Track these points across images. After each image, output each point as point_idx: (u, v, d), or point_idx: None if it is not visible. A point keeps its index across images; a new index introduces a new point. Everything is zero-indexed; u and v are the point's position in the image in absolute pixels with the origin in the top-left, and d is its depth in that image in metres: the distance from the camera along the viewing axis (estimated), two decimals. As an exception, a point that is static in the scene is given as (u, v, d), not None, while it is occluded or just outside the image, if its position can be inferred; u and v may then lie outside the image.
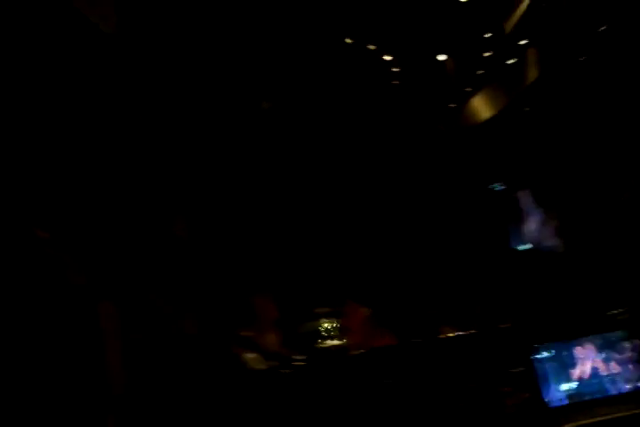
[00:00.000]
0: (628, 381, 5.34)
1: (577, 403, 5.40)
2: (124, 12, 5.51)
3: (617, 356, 5.47)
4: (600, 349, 5.48)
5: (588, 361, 5.49)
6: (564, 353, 5.60)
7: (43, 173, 4.28)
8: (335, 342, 6.11)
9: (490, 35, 9.16)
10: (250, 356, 4.85)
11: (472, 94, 9.70)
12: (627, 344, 5.41)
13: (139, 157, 5.33)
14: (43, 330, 3.69)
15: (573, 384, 5.46)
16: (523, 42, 9.27)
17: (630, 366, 5.36)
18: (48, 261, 3.78)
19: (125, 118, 5.48)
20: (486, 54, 9.41)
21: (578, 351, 5.60)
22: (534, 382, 5.45)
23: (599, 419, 5.18)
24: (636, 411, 5.12)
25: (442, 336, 5.74)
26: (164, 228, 5.20)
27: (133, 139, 5.25)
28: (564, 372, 5.56)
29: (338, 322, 6.31)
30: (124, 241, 4.57)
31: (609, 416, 5.20)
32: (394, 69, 8.86)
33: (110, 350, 3.95)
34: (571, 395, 5.45)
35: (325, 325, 6.25)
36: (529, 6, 8.51)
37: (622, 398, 5.31)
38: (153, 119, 5.91)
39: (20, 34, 4.56)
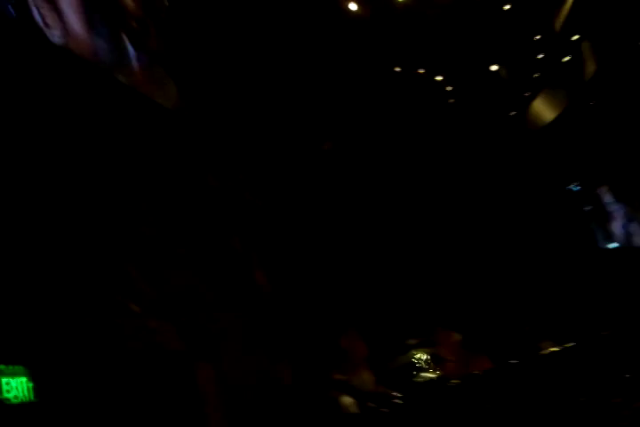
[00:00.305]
0: None
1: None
2: (185, 89, 5.80)
3: None
4: None
5: None
6: (677, 355, 5.18)
7: (127, 246, 4.51)
8: (431, 373, 5.96)
9: (539, 36, 8.96)
10: (346, 399, 4.83)
11: (532, 98, 9.44)
12: None
13: (214, 214, 5.53)
14: (148, 393, 3.85)
15: (692, 387, 5.05)
16: (575, 37, 8.99)
17: None
18: (146, 333, 3.98)
19: (197, 179, 5.71)
20: (539, 56, 9.19)
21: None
22: (648, 388, 5.11)
23: None
24: None
25: (543, 352, 5.50)
26: (245, 279, 5.33)
27: (207, 203, 5.45)
28: (680, 375, 5.15)
29: (431, 352, 6.17)
30: (211, 302, 4.73)
31: None
32: (448, 88, 8.80)
33: (210, 408, 4.07)
34: (691, 399, 5.03)
35: (418, 356, 6.11)
36: (575, 0, 8.30)
37: None
38: (224, 175, 6.13)
39: (89, 115, 4.87)
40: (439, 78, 8.65)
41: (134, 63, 5.49)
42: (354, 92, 7.98)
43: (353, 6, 7.87)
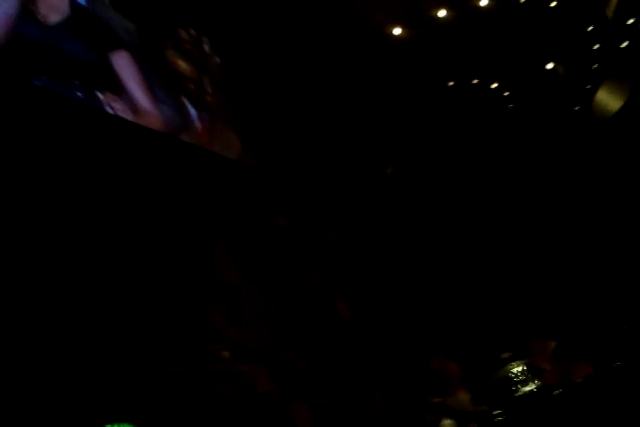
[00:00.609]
0: None
1: None
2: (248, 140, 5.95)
3: None
4: None
5: None
6: None
7: (209, 293, 4.61)
8: (530, 386, 5.63)
9: (592, 27, 8.57)
10: (446, 422, 4.65)
11: (594, 90, 8.97)
12: None
13: (288, 253, 5.56)
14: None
15: None
16: (630, 21, 8.54)
17: None
18: (238, 377, 4.02)
19: (266, 221, 5.79)
20: (595, 47, 8.77)
21: None
22: None
23: None
24: None
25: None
26: (327, 312, 5.30)
27: (279, 243, 5.49)
28: None
29: (527, 363, 5.83)
30: (297, 340, 4.73)
31: None
32: (505, 94, 8.52)
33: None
34: None
35: (514, 369, 5.79)
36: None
37: None
38: (291, 214, 6.17)
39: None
40: (495, 86, 8.41)
41: (197, 123, 5.69)
42: (410, 113, 7.89)
43: (397, 31, 7.84)
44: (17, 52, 4.37)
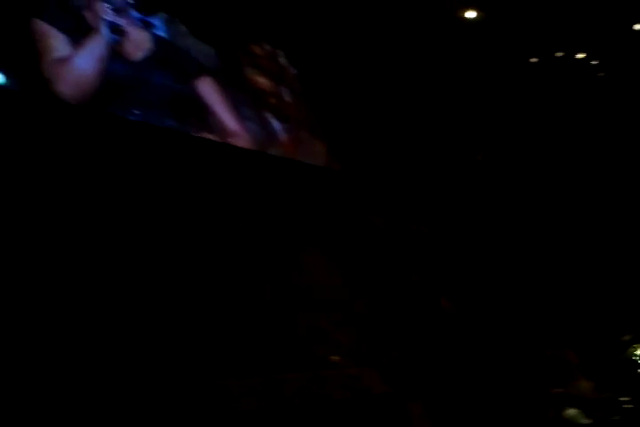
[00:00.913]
0: None
1: None
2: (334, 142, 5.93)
3: None
4: None
5: None
6: None
7: (315, 300, 4.60)
8: (659, 368, 5.16)
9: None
10: (571, 411, 4.36)
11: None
12: None
13: (386, 253, 5.47)
14: None
15: None
16: None
17: None
18: (350, 381, 3.99)
19: (364, 224, 5.70)
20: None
21: None
22: None
23: None
24: None
25: None
26: (432, 307, 5.17)
27: (377, 244, 5.41)
28: None
29: (652, 345, 5.36)
30: (404, 339, 4.63)
31: None
32: (592, 63, 7.92)
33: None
34: None
35: (638, 352, 5.34)
36: None
37: None
38: (386, 214, 6.06)
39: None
40: (581, 56, 7.83)
41: (281, 135, 5.75)
42: (495, 96, 7.53)
43: (471, 14, 7.48)
44: (110, 92, 4.61)
